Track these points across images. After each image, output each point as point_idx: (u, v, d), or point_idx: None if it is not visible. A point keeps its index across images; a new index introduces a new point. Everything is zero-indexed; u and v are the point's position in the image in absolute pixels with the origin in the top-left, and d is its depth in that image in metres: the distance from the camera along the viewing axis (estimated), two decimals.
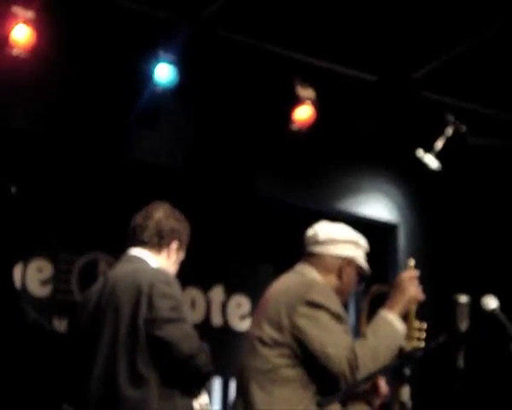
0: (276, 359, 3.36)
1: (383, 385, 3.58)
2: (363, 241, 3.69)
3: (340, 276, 3.59)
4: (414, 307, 3.53)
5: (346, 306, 6.11)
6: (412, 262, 3.61)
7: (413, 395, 3.49)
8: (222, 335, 6.29)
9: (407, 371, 3.35)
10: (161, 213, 3.99)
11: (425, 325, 3.54)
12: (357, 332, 3.61)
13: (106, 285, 3.85)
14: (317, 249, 3.61)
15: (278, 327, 3.38)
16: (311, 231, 3.67)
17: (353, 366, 3.25)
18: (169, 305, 3.67)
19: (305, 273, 3.58)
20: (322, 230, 3.65)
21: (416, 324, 3.53)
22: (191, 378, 3.76)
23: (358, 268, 3.64)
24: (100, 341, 3.73)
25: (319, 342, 3.32)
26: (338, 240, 3.61)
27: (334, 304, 3.43)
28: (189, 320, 3.76)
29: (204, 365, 3.72)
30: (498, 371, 5.40)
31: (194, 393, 3.85)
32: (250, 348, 3.47)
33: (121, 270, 3.89)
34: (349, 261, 3.61)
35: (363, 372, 3.22)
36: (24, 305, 5.26)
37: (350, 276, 3.62)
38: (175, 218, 4.01)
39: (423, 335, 3.52)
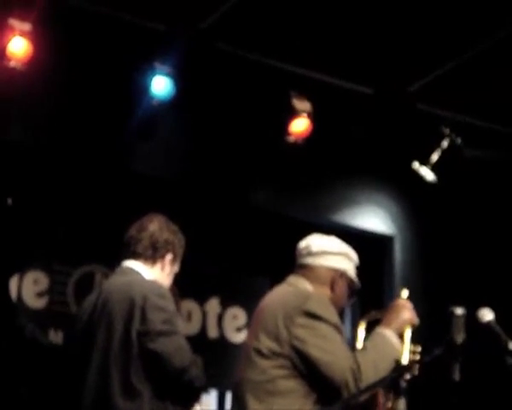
0: (273, 370, 3.35)
1: (382, 398, 3.57)
2: (354, 254, 3.70)
3: (332, 288, 3.60)
4: (409, 331, 3.53)
5: (341, 319, 6.13)
6: (405, 293, 3.61)
7: (409, 408, 3.48)
8: (218, 347, 6.27)
9: (403, 384, 3.35)
10: (156, 226, 3.99)
11: (419, 349, 3.54)
12: (353, 348, 3.59)
13: (99, 297, 3.85)
14: (310, 261, 3.62)
15: (276, 338, 3.37)
16: (303, 243, 3.68)
17: (357, 376, 3.25)
18: (162, 318, 3.68)
19: (298, 285, 3.58)
20: (315, 242, 3.66)
21: (411, 347, 3.52)
22: (184, 391, 3.77)
23: (349, 281, 3.65)
24: (93, 353, 3.73)
25: (320, 351, 3.32)
26: (331, 252, 3.62)
27: (332, 315, 3.43)
28: (182, 333, 3.77)
29: (196, 378, 3.72)
30: (494, 383, 5.39)
31: (186, 406, 3.86)
32: (247, 359, 3.46)
33: (115, 282, 3.89)
34: (341, 274, 3.62)
35: (365, 383, 3.23)
36: (20, 317, 5.27)
37: (342, 288, 3.63)
38: (169, 230, 4.01)
39: (418, 358, 3.51)
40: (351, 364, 3.28)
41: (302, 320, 3.37)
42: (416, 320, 3.54)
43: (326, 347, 3.33)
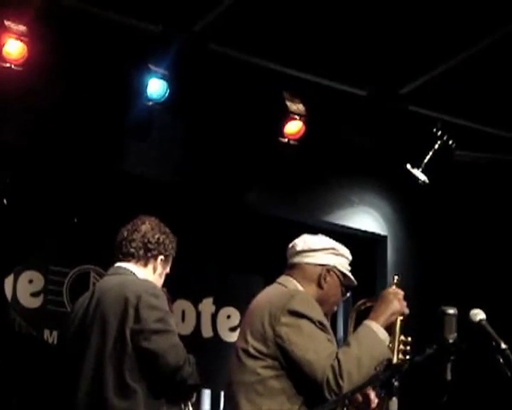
0: (261, 370, 3.35)
1: (373, 396, 3.56)
2: (344, 250, 3.69)
3: (320, 285, 3.59)
4: (399, 321, 3.54)
5: (335, 316, 6.14)
6: (396, 278, 3.63)
7: (401, 407, 3.50)
8: (212, 347, 6.27)
9: (395, 384, 3.36)
10: (148, 227, 4.02)
11: (410, 339, 3.56)
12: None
13: (92, 298, 3.88)
14: (297, 260, 3.63)
15: (262, 338, 3.38)
16: (291, 244, 3.70)
17: (337, 373, 3.23)
18: (156, 316, 3.71)
19: (286, 284, 3.59)
20: (301, 241, 3.68)
21: (401, 337, 3.54)
22: (178, 390, 3.79)
23: (341, 277, 3.64)
24: (87, 352, 3.76)
25: (302, 350, 3.31)
26: (315, 249, 3.63)
27: (316, 313, 3.42)
28: (175, 332, 3.79)
29: (190, 376, 3.75)
30: (486, 383, 5.42)
31: (180, 404, 3.88)
32: (236, 360, 3.46)
33: (108, 282, 3.92)
34: (329, 269, 3.61)
35: (346, 380, 3.22)
36: (13, 315, 5.27)
37: (331, 284, 3.62)
38: (161, 231, 4.05)
39: (408, 348, 3.53)
40: (331, 361, 3.26)
41: (286, 319, 3.37)
42: (406, 310, 3.54)
43: (308, 345, 3.32)
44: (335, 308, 3.78)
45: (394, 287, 3.60)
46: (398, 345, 3.52)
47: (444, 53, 5.51)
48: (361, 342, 3.37)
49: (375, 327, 3.43)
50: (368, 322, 3.46)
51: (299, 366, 3.32)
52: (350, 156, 6.41)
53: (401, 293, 3.57)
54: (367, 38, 5.43)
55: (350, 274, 3.68)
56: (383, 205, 6.76)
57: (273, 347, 3.36)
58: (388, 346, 3.47)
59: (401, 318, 3.55)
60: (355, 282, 3.71)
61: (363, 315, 3.59)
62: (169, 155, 5.93)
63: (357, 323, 3.57)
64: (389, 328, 3.49)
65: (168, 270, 4.10)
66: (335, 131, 6.25)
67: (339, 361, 3.27)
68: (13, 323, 5.17)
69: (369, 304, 3.65)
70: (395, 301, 3.52)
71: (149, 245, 3.98)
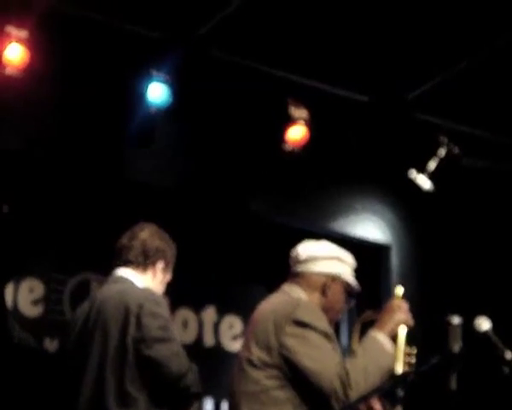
0: (265, 380, 3.33)
1: (378, 407, 3.54)
2: (348, 257, 3.67)
3: (324, 293, 3.57)
4: (404, 332, 3.50)
5: (338, 326, 6.10)
6: (401, 291, 3.60)
7: None
8: (214, 356, 6.25)
9: (400, 393, 3.33)
10: (146, 233, 4.02)
11: (415, 350, 3.53)
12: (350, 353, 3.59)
13: (93, 306, 3.87)
14: (300, 269, 3.60)
15: (266, 348, 3.36)
16: (293, 251, 3.67)
17: (345, 383, 3.22)
18: (158, 324, 3.70)
19: (291, 293, 3.57)
20: (303, 249, 3.65)
21: (406, 348, 3.50)
22: (180, 398, 3.78)
23: (345, 284, 3.62)
24: (88, 361, 3.74)
25: (309, 360, 3.29)
26: (319, 257, 3.60)
27: (321, 322, 3.40)
28: (177, 340, 3.78)
29: (193, 384, 3.74)
30: (491, 392, 5.39)
31: None
32: (240, 370, 3.44)
33: (108, 290, 3.91)
34: (333, 278, 3.59)
35: (354, 390, 3.20)
36: (11, 324, 5.25)
37: (335, 292, 3.59)
38: (160, 238, 4.04)
39: (413, 360, 3.49)
40: (339, 371, 3.25)
41: (291, 329, 3.35)
42: (411, 321, 3.52)
43: (314, 355, 3.30)
44: (340, 316, 3.77)
45: (398, 299, 3.57)
46: (404, 356, 3.48)
47: (450, 58, 5.52)
48: (368, 352, 3.35)
49: (381, 338, 3.41)
50: (373, 333, 3.44)
51: (306, 377, 3.29)
52: (354, 163, 6.39)
53: (405, 304, 3.54)
54: (372, 43, 5.44)
55: (354, 281, 3.67)
56: (387, 213, 6.74)
57: (277, 357, 3.34)
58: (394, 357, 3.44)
59: (406, 329, 3.51)
60: (359, 288, 3.69)
61: (367, 327, 3.56)
62: (171, 161, 5.92)
63: (361, 335, 3.55)
64: (393, 339, 3.46)
65: (169, 278, 4.09)
66: (340, 138, 6.23)
67: (347, 371, 3.25)
68: (12, 333, 5.16)
69: (374, 316, 3.62)
70: (400, 312, 3.49)
71: (148, 252, 3.98)
